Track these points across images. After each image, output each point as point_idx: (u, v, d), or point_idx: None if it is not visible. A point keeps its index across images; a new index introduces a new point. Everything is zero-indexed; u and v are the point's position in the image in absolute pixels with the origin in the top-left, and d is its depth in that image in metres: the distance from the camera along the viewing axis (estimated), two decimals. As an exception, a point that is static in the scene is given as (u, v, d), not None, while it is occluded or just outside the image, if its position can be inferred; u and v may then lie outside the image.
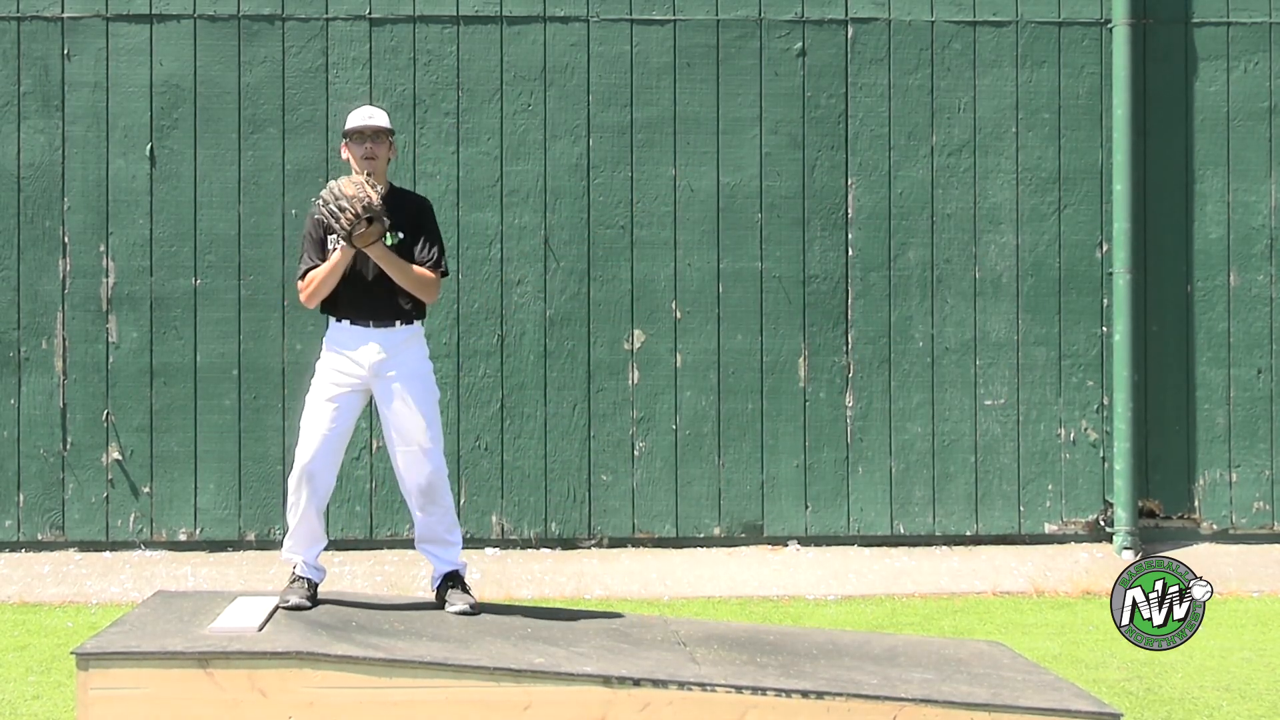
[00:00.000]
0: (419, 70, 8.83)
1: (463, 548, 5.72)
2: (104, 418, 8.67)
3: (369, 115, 5.71)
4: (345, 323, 5.63)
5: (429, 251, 5.68)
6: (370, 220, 5.49)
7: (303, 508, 5.61)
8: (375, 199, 5.50)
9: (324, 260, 5.64)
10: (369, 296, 5.60)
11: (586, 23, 8.89)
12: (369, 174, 5.61)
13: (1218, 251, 9.08)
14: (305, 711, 4.72)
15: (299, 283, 5.75)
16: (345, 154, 5.74)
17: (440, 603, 5.72)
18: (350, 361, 5.60)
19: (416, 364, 5.67)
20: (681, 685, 4.80)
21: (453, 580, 5.73)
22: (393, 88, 8.81)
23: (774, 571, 8.56)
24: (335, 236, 5.58)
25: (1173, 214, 9.06)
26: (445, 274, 5.77)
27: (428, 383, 5.70)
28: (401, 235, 5.62)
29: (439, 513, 5.71)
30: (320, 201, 5.55)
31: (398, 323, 5.64)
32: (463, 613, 5.59)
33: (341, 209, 5.49)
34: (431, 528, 5.73)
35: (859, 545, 8.89)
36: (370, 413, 8.62)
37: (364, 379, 5.61)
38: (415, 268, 5.63)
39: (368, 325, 5.61)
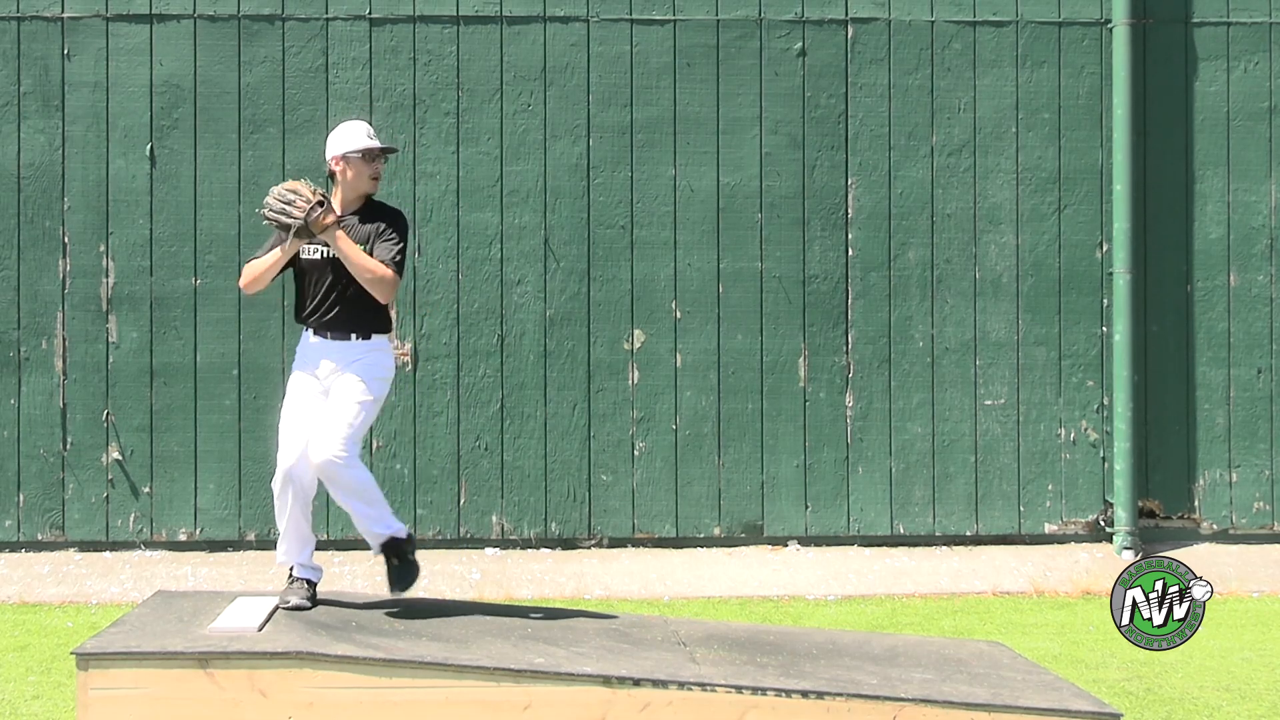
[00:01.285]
0: (419, 70, 8.83)
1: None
2: (104, 418, 8.67)
3: (372, 133, 5.66)
4: (309, 333, 5.67)
5: (388, 250, 5.56)
6: (322, 203, 5.45)
7: (289, 510, 5.62)
8: (319, 192, 5.49)
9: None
10: (326, 308, 5.58)
11: (586, 23, 8.89)
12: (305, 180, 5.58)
13: (1218, 251, 9.08)
14: (305, 711, 4.72)
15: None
16: (339, 168, 5.61)
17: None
18: (311, 368, 5.64)
19: (362, 368, 5.60)
20: (681, 685, 4.80)
21: (388, 550, 5.71)
22: (393, 88, 8.81)
23: (774, 571, 8.56)
24: (283, 233, 5.50)
25: (1173, 214, 9.06)
26: (400, 276, 5.63)
27: (366, 381, 5.58)
28: (364, 248, 5.55)
29: (346, 498, 5.62)
30: (265, 206, 5.48)
31: (354, 336, 5.60)
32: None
33: (290, 201, 5.44)
34: (350, 513, 5.71)
35: (859, 545, 8.89)
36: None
37: (325, 386, 5.61)
38: (371, 261, 5.51)
39: (325, 337, 5.61)
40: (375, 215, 5.66)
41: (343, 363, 5.59)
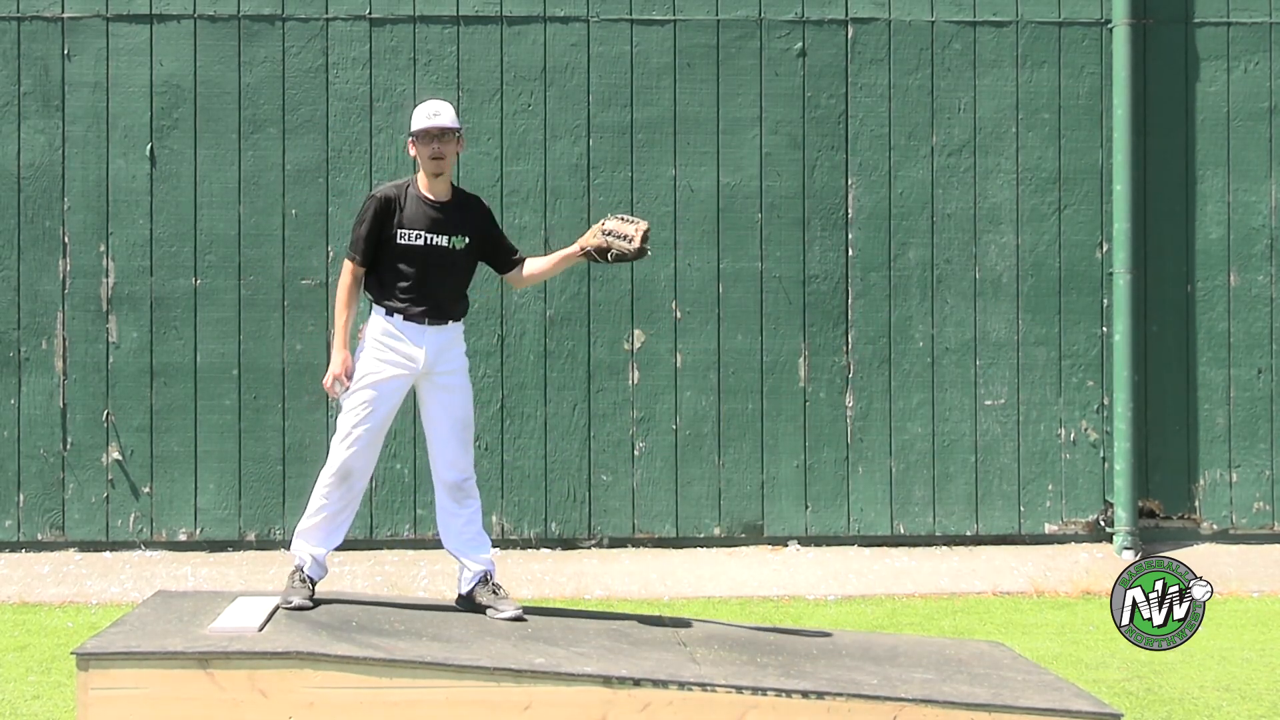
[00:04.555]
0: (419, 70, 8.83)
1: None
2: (104, 418, 8.67)
3: (434, 113, 5.66)
4: (398, 318, 5.61)
5: (511, 243, 5.94)
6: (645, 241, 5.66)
7: (332, 505, 5.57)
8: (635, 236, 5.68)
9: (372, 250, 5.62)
10: (437, 298, 5.63)
11: (586, 23, 8.89)
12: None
13: (1218, 251, 9.08)
14: (305, 711, 4.72)
15: (347, 263, 5.70)
16: (412, 150, 5.72)
17: (476, 607, 5.67)
18: (403, 355, 5.59)
19: (461, 361, 5.74)
20: (681, 685, 4.80)
21: (486, 582, 5.71)
22: (393, 88, 8.81)
23: (774, 571, 8.56)
24: (410, 232, 5.60)
25: (1173, 214, 9.06)
26: None
27: (467, 380, 5.77)
28: (468, 240, 5.69)
29: (468, 512, 5.72)
30: (612, 233, 5.66)
31: (449, 321, 5.68)
32: (515, 618, 5.55)
33: (626, 235, 5.62)
34: (462, 527, 5.73)
35: (859, 545, 8.89)
36: (370, 413, 8.61)
37: (414, 373, 5.62)
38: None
39: (423, 323, 5.61)
40: (470, 207, 5.80)
41: (443, 346, 5.63)
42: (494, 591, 5.68)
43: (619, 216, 5.70)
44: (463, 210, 5.72)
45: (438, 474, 5.76)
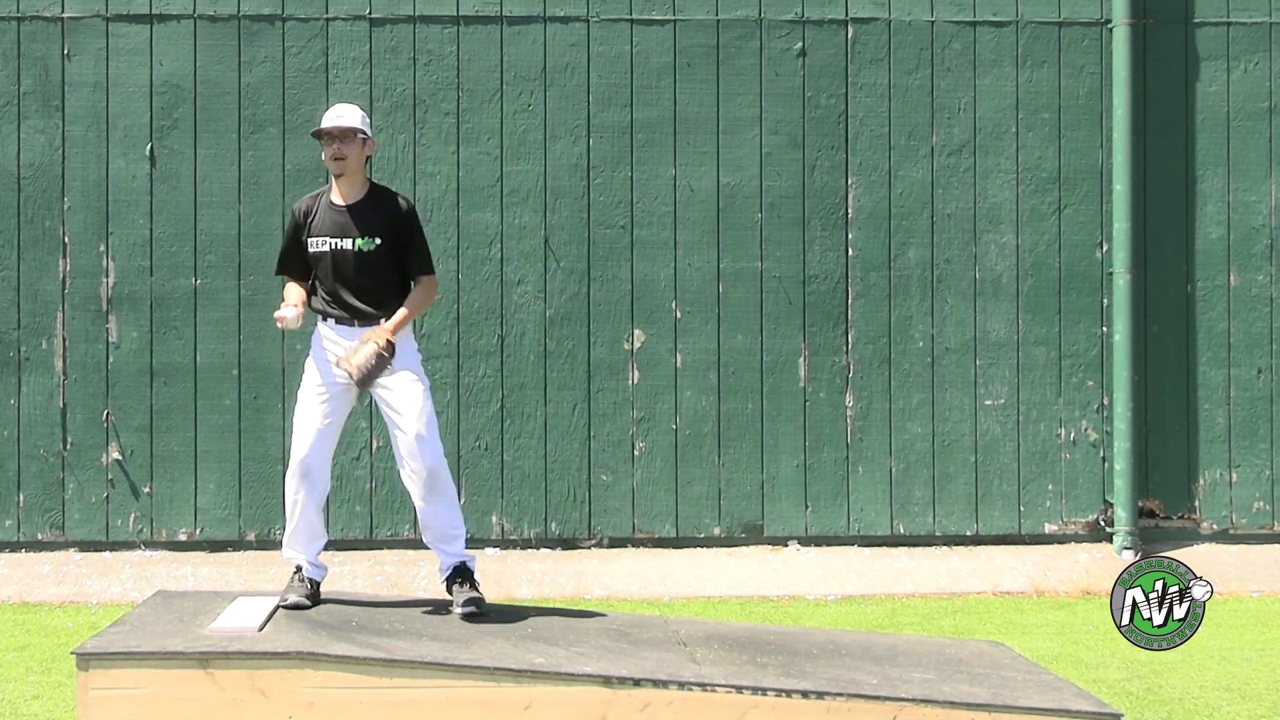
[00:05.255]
0: (419, 70, 8.83)
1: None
2: (104, 418, 8.67)
3: (337, 115, 5.67)
4: (331, 321, 5.68)
5: (417, 260, 5.72)
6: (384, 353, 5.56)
7: (301, 504, 5.63)
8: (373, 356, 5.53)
9: (296, 262, 5.74)
10: (353, 299, 5.63)
11: (586, 23, 8.89)
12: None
13: (1218, 251, 9.08)
14: (305, 711, 4.73)
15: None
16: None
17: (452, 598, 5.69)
18: (336, 358, 5.63)
19: (403, 358, 5.67)
20: (681, 685, 4.80)
21: (460, 575, 5.70)
22: (393, 88, 8.81)
23: (774, 571, 8.56)
24: (316, 239, 5.65)
25: (1173, 214, 9.06)
26: (433, 271, 5.84)
27: (416, 373, 5.71)
28: (379, 241, 5.61)
29: (441, 502, 5.70)
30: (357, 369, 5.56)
31: (381, 320, 5.65)
32: (469, 616, 5.55)
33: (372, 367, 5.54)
34: (435, 519, 5.72)
35: (859, 545, 8.89)
36: (371, 413, 8.61)
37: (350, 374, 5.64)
38: (421, 303, 5.73)
39: (353, 325, 5.63)
40: (383, 209, 5.68)
41: None
42: (459, 584, 5.68)
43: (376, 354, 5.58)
44: (375, 209, 5.67)
45: (401, 469, 5.78)
